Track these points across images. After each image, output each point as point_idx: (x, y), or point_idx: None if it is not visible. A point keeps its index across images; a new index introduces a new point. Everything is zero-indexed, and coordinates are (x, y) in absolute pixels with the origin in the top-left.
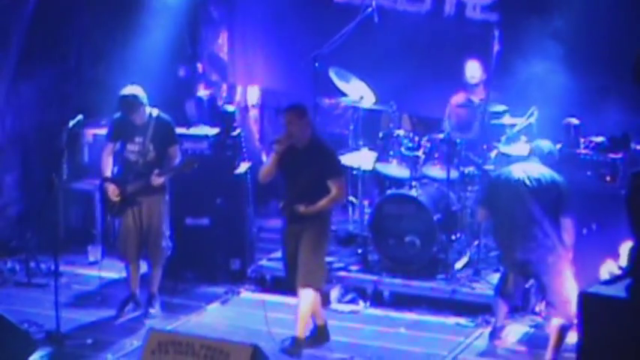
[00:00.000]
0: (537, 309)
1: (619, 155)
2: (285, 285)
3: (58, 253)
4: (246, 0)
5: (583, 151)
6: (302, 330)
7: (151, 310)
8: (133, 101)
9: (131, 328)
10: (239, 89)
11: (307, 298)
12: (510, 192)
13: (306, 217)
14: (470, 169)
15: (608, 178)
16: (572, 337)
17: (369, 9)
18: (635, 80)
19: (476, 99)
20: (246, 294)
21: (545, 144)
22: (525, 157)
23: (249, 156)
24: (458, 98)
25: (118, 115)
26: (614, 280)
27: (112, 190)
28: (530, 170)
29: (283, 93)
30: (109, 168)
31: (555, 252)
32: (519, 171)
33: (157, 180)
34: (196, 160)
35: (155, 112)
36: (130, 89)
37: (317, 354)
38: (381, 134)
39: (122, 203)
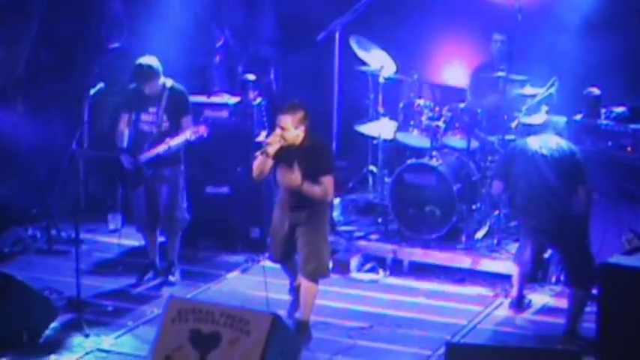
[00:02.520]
0: (556, 279)
1: None
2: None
3: (79, 221)
4: None
5: (604, 122)
6: (307, 314)
7: (171, 278)
8: (148, 71)
9: (151, 296)
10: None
11: (310, 288)
12: (527, 163)
13: (303, 208)
14: (492, 138)
15: (629, 149)
16: (591, 307)
17: None
18: None
19: (498, 70)
20: (266, 262)
21: (559, 121)
22: (543, 129)
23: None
24: (479, 68)
25: (132, 85)
26: (635, 250)
27: (127, 162)
28: (547, 141)
29: (304, 62)
30: (124, 139)
31: (571, 222)
32: (536, 142)
33: (168, 146)
34: (204, 127)
35: (169, 82)
36: (146, 59)
37: (336, 322)
38: (401, 104)
39: (136, 174)
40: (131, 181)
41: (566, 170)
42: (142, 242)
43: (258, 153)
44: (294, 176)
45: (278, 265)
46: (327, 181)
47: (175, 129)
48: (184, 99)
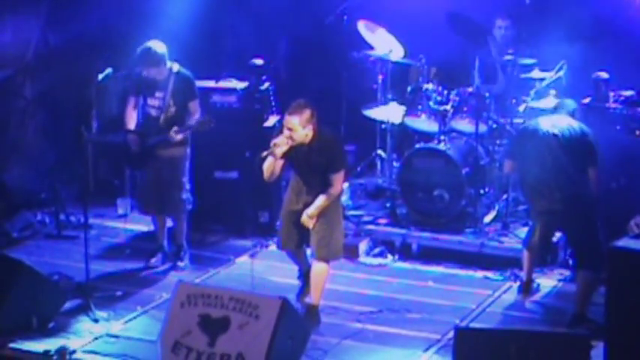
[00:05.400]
0: (565, 262)
1: None
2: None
3: (88, 206)
4: None
5: (612, 105)
6: (318, 298)
7: (180, 264)
8: (154, 56)
9: (160, 281)
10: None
11: (322, 271)
12: (538, 143)
13: (319, 192)
14: (501, 120)
15: (637, 132)
16: (599, 290)
17: None
18: None
19: (505, 54)
20: (275, 247)
21: (570, 102)
22: (553, 111)
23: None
24: (486, 52)
25: (139, 69)
26: None
27: (134, 143)
28: (558, 122)
29: (312, 46)
30: (132, 121)
31: (582, 203)
32: (548, 123)
33: (176, 137)
34: (212, 120)
35: (176, 67)
36: (152, 43)
37: (345, 307)
38: (409, 88)
39: (142, 156)
40: (136, 163)
41: (577, 151)
42: (151, 227)
43: (264, 154)
44: (309, 222)
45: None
46: (337, 177)
47: (182, 114)
48: (190, 84)
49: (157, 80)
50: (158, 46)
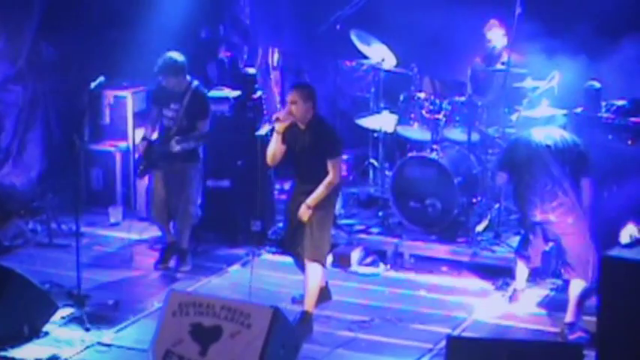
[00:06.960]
0: (557, 271)
1: None
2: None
3: (79, 214)
4: None
5: (604, 115)
6: (311, 304)
7: (184, 268)
8: (174, 65)
9: (152, 289)
10: (260, 51)
11: (315, 272)
12: (531, 155)
13: (311, 190)
14: (493, 131)
15: (629, 142)
16: (591, 300)
17: None
18: None
19: (498, 63)
20: (267, 255)
21: (560, 116)
22: (544, 122)
23: (270, 118)
24: (480, 61)
25: (159, 80)
26: (635, 243)
27: (142, 150)
28: (551, 133)
29: (305, 55)
30: (148, 129)
31: (575, 213)
32: (540, 134)
33: (175, 147)
34: (207, 137)
35: (195, 83)
36: (173, 54)
37: (337, 316)
38: (402, 97)
39: (148, 164)
40: (142, 171)
41: (570, 162)
42: (143, 236)
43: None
44: (305, 213)
45: (278, 258)
46: (334, 164)
47: (192, 129)
48: (204, 102)
49: (175, 92)
50: (179, 57)
